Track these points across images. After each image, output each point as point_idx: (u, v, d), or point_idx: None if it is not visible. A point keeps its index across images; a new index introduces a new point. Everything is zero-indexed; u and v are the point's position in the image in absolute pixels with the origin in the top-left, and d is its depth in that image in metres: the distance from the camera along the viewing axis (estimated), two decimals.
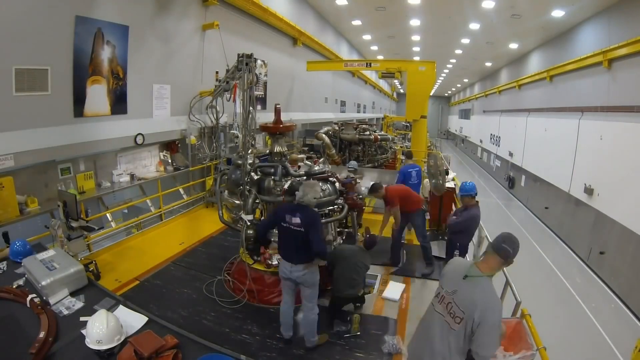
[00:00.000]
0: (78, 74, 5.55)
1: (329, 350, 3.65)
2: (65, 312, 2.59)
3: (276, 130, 4.70)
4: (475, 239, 5.29)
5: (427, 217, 6.61)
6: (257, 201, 4.51)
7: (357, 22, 16.88)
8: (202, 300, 4.39)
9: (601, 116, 11.13)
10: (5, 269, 3.18)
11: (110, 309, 2.57)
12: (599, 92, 11.40)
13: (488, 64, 24.50)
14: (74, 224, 4.30)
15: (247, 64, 4.71)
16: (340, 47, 19.50)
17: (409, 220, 5.45)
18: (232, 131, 8.08)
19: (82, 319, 2.46)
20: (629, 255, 8.99)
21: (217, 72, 7.87)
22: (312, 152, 9.83)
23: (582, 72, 12.50)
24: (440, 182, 6.63)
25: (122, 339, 2.24)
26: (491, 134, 25.44)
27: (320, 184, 4.47)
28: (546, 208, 15.04)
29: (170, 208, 7.45)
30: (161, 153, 7.92)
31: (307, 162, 5.00)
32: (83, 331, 2.26)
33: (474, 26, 15.17)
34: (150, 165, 7.66)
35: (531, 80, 17.78)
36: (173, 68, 7.65)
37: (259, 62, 8.22)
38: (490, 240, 2.30)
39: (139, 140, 6.74)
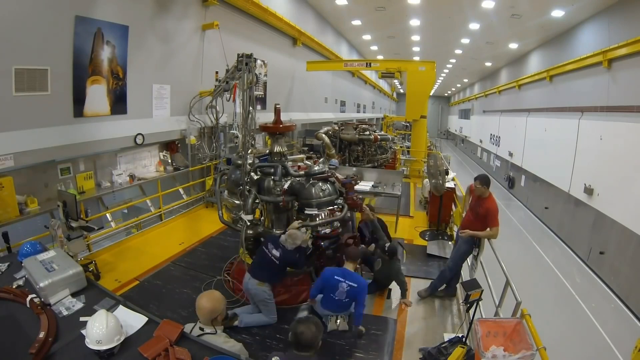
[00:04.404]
0: (78, 74, 5.55)
1: (329, 350, 3.64)
2: (65, 313, 2.59)
3: (276, 130, 4.71)
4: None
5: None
6: (257, 201, 4.51)
7: (357, 22, 16.87)
8: None
9: (601, 116, 11.13)
10: (5, 269, 3.18)
11: (110, 309, 2.57)
12: (598, 92, 11.39)
13: (488, 64, 24.49)
14: (74, 224, 4.30)
15: (247, 64, 4.70)
16: (340, 47, 19.49)
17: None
18: (232, 131, 8.08)
19: (82, 319, 2.46)
20: (629, 255, 8.99)
21: (217, 72, 7.89)
22: (312, 152, 9.83)
23: (582, 72, 12.49)
24: (440, 182, 6.65)
25: (122, 339, 2.24)
26: (491, 134, 25.42)
27: (320, 183, 4.47)
28: (546, 208, 15.03)
29: (170, 208, 7.45)
30: (161, 153, 7.92)
31: (307, 162, 5.00)
32: (83, 331, 2.26)
33: (474, 26, 15.17)
34: (150, 165, 7.66)
35: (531, 80, 17.76)
36: (173, 68, 7.65)
37: (258, 62, 8.19)
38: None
39: (139, 140, 6.74)
